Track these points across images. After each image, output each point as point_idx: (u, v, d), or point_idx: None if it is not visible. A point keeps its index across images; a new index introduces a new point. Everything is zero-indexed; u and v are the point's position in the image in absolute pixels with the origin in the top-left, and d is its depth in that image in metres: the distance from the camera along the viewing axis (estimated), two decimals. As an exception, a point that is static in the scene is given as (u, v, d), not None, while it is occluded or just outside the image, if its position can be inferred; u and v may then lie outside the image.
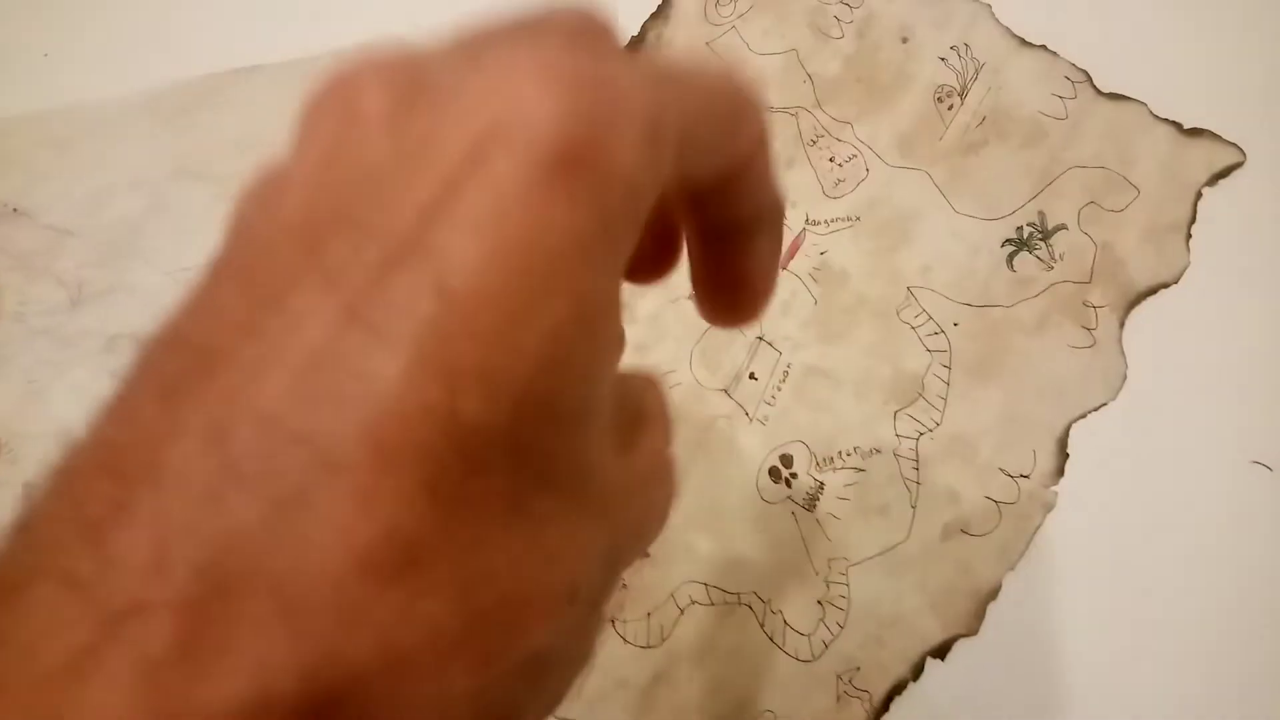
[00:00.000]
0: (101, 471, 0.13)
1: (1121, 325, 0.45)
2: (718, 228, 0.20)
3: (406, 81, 0.15)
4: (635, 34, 0.51)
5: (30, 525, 0.13)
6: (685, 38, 0.51)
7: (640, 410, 0.20)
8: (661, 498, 0.20)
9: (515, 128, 0.13)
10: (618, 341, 0.18)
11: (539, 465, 0.14)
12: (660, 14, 0.51)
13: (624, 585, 0.45)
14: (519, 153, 0.13)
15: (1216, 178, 0.47)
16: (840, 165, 0.48)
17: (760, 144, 0.19)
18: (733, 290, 0.22)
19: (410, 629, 0.13)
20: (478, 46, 0.16)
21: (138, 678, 0.11)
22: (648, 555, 0.45)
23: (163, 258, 0.48)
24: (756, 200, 0.20)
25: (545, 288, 0.13)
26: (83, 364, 0.46)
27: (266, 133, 0.50)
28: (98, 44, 0.54)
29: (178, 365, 0.13)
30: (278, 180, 0.15)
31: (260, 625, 0.12)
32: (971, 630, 0.42)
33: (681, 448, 0.45)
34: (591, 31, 0.16)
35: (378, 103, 0.14)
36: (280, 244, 0.14)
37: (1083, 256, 0.46)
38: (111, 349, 0.46)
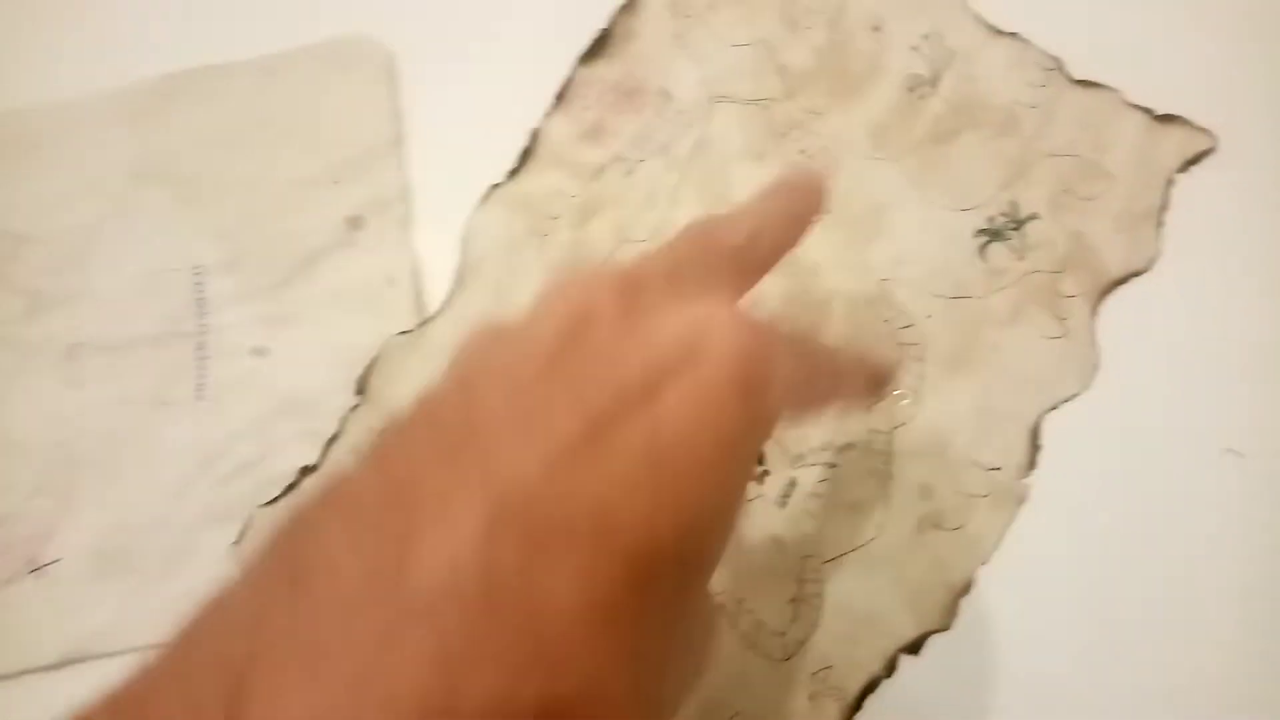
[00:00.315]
0: (396, 504, 0.17)
1: (1094, 314, 0.45)
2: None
3: (632, 294, 0.20)
4: (604, 28, 0.50)
5: (327, 532, 0.18)
6: (654, 31, 0.50)
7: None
8: (708, 651, 0.24)
9: (715, 348, 0.19)
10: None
11: (690, 589, 0.19)
12: (629, 7, 0.51)
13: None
14: (716, 363, 0.19)
15: (1188, 164, 0.46)
16: (811, 157, 0.47)
17: (828, 402, 0.30)
18: None
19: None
20: (682, 280, 0.22)
21: None
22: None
23: (123, 263, 0.47)
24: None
25: (724, 454, 0.18)
26: (41, 374, 0.45)
27: (226, 133, 0.49)
28: (51, 45, 0.53)
29: (455, 435, 0.19)
30: (521, 332, 0.21)
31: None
32: (945, 625, 0.42)
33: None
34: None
35: (609, 304, 0.20)
36: (534, 376, 0.19)
37: (1055, 246, 0.45)
38: (71, 357, 0.45)
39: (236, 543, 0.44)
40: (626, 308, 0.20)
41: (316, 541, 0.17)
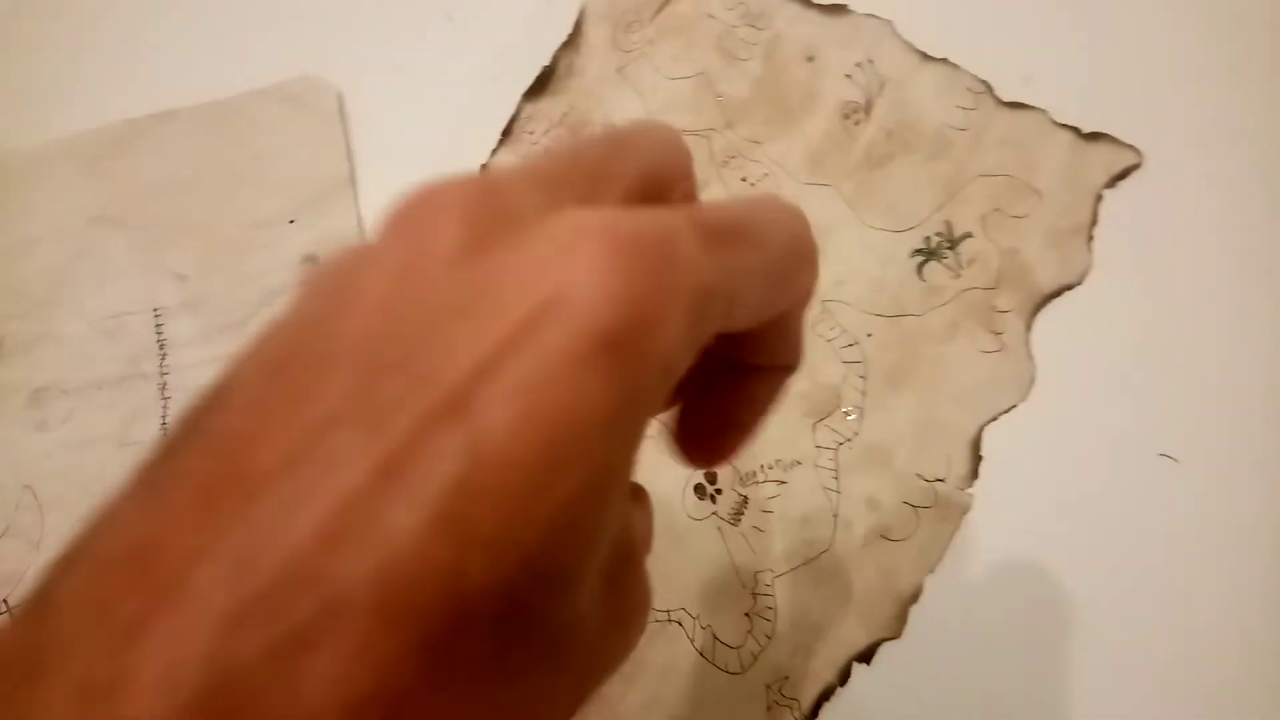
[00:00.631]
0: (134, 572, 0.13)
1: (1029, 328, 0.46)
2: (728, 366, 0.21)
3: (484, 216, 0.15)
4: (547, 64, 0.52)
5: (55, 605, 0.13)
6: (597, 66, 0.52)
7: (629, 546, 0.20)
8: (636, 631, 0.20)
9: (570, 303, 0.14)
10: (626, 501, 0.18)
11: (527, 626, 0.14)
12: (571, 43, 0.52)
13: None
14: (569, 327, 0.13)
15: (1116, 179, 0.48)
16: (753, 185, 0.49)
17: (806, 298, 0.20)
18: (721, 431, 0.22)
19: None
20: (556, 184, 0.17)
21: None
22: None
23: (86, 307, 0.48)
24: (779, 345, 0.20)
25: (567, 462, 0.13)
26: (7, 417, 0.46)
27: (182, 177, 0.51)
28: (10, 93, 0.54)
29: (219, 473, 0.14)
30: (350, 283, 0.15)
31: None
32: (895, 633, 0.43)
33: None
34: (670, 169, 0.18)
35: (452, 235, 0.15)
36: (337, 366, 0.14)
37: (989, 263, 0.47)
38: (36, 402, 0.46)
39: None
40: (472, 240, 0.15)
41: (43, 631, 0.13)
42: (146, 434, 0.47)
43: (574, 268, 0.14)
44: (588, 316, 0.13)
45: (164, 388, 0.48)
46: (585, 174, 0.17)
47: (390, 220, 0.16)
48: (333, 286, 0.16)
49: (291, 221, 0.49)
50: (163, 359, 0.48)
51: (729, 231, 0.16)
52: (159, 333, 0.48)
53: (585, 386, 0.13)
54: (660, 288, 0.14)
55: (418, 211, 0.16)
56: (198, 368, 0.48)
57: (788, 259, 0.18)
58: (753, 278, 0.17)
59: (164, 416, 0.48)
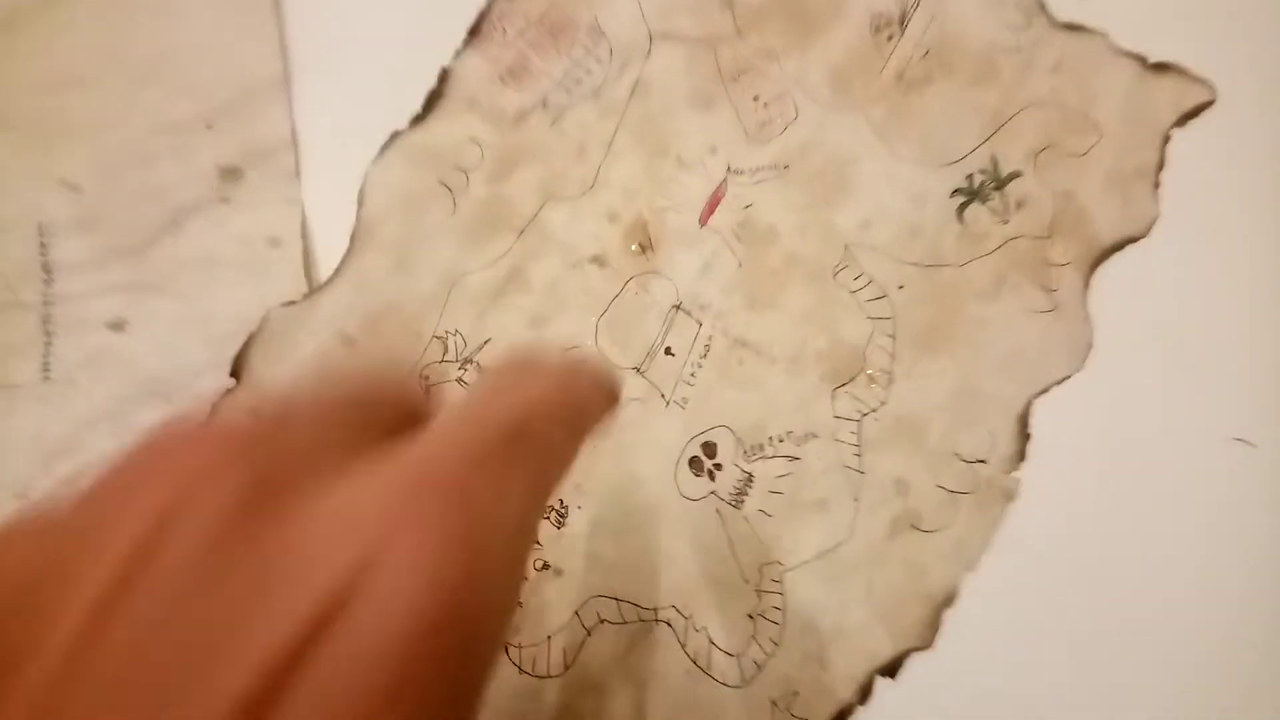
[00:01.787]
0: None
1: (1086, 285, 0.39)
2: None
3: (257, 477, 0.13)
4: None
5: None
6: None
7: None
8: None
9: (389, 585, 0.12)
10: None
11: None
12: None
13: (519, 603, 0.37)
14: (389, 618, 0.12)
15: (1185, 118, 0.41)
16: (766, 105, 0.41)
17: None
18: None
19: None
20: (343, 425, 0.15)
21: None
22: (546, 566, 0.38)
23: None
24: None
25: None
26: None
27: (76, 70, 0.42)
28: None
29: None
30: (56, 576, 0.12)
31: None
32: (925, 643, 0.37)
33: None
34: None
35: (216, 503, 0.12)
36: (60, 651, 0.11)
37: (1040, 207, 0.40)
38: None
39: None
40: (241, 504, 0.12)
41: None
42: (25, 374, 0.39)
43: (393, 541, 0.12)
44: (412, 610, 0.12)
45: (47, 320, 0.39)
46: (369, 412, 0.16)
47: (123, 474, 0.13)
48: (41, 562, 0.12)
49: (209, 127, 0.41)
50: (47, 286, 0.39)
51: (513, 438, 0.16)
52: (43, 254, 0.40)
53: (419, 684, 0.12)
54: (481, 557, 0.13)
55: (165, 468, 0.13)
56: (89, 299, 0.39)
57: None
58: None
59: (46, 358, 0.39)
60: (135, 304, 0.40)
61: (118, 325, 0.39)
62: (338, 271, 0.39)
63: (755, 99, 0.41)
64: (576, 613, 0.37)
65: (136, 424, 0.39)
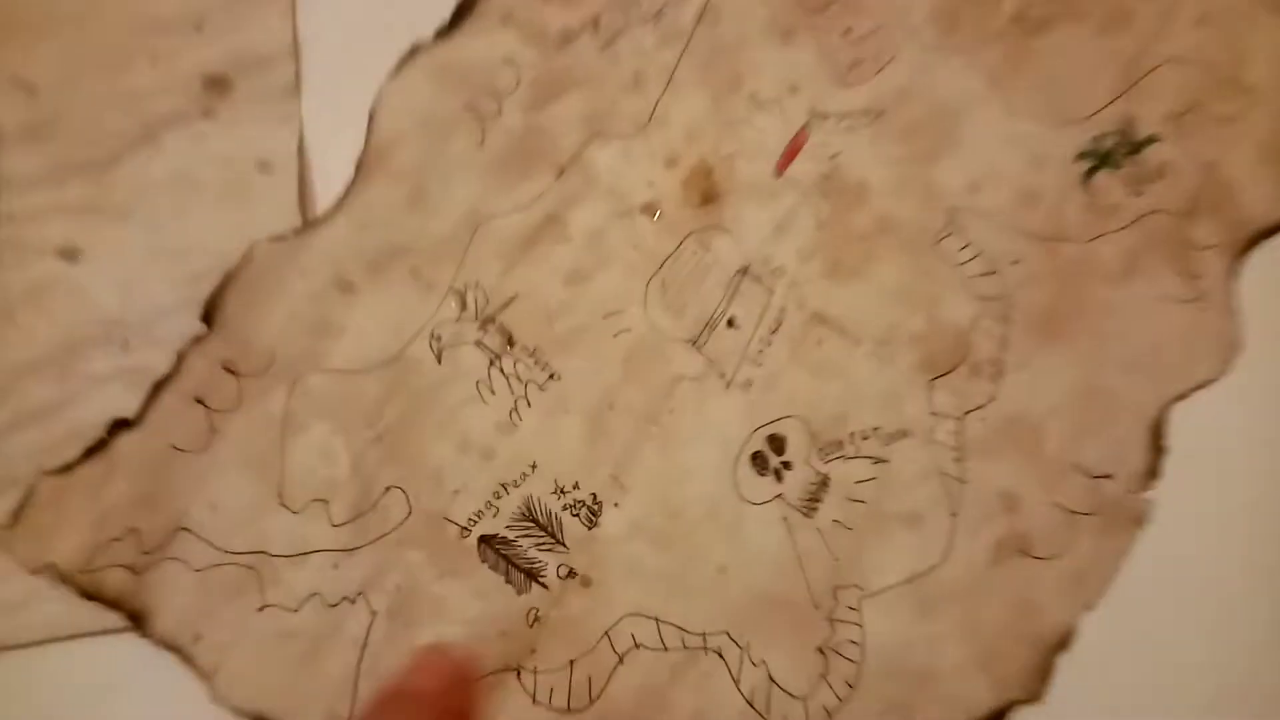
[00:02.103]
0: None
1: (1234, 273, 0.33)
2: None
3: None
4: None
5: None
6: None
7: None
8: None
9: None
10: None
11: None
12: None
13: (536, 616, 0.31)
14: None
15: (1352, 87, 0.35)
16: (859, 41, 0.35)
17: None
18: None
19: None
20: None
21: None
22: (572, 574, 0.31)
23: None
24: None
25: None
26: None
27: None
28: None
29: None
30: None
31: None
32: (1034, 694, 0.30)
33: (628, 420, 0.31)
34: None
35: None
36: None
37: (1182, 178, 0.34)
38: None
39: (10, 524, 0.30)
40: None
41: None
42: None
43: None
44: None
45: (-16, 247, 0.32)
46: None
47: None
48: None
49: (197, 28, 0.34)
50: (-13, 205, 0.33)
51: None
52: (-16, 167, 0.33)
53: None
54: None
55: None
56: (37, 220, 0.33)
57: None
58: None
59: (-16, 290, 0.32)
60: (92, 230, 0.33)
61: (70, 253, 0.33)
62: (339, 204, 0.32)
63: (846, 33, 0.35)
64: (607, 634, 0.31)
65: (85, 373, 0.32)
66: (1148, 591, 0.31)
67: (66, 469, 0.30)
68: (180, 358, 0.31)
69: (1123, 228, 0.33)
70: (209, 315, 0.32)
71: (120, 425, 0.31)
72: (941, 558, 0.31)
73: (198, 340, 0.31)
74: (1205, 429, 0.32)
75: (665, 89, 0.34)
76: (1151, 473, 0.32)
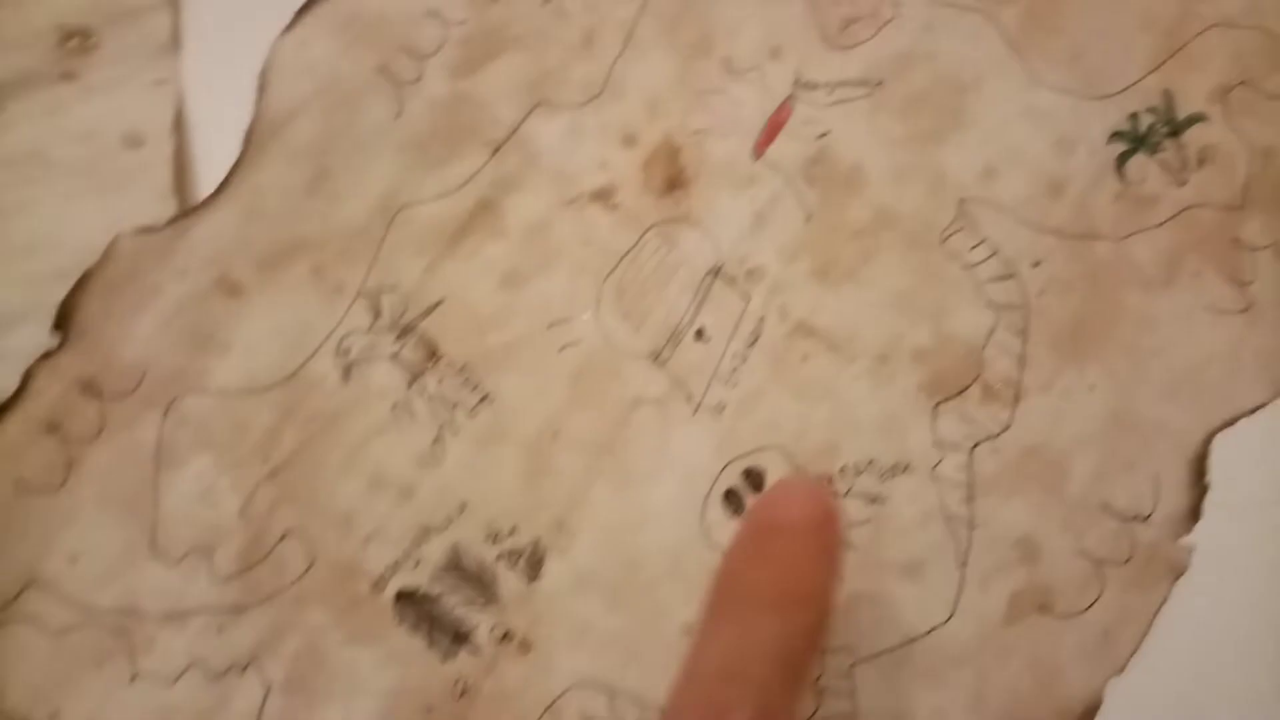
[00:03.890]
0: None
1: (1290, 278, 0.28)
2: None
3: None
4: None
5: None
6: None
7: None
8: None
9: None
10: None
11: None
12: None
13: (464, 688, 0.26)
14: None
15: None
16: (854, -3, 0.29)
17: None
18: None
19: None
20: None
21: None
22: (507, 637, 0.26)
23: None
24: None
25: None
26: None
27: None
28: None
29: None
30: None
31: None
32: None
33: (576, 451, 0.26)
34: None
35: None
36: None
37: (1231, 166, 0.29)
38: None
39: None
40: None
41: None
42: None
43: None
44: None
45: None
46: None
47: None
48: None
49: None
50: None
51: None
52: None
53: None
54: None
55: None
56: None
57: None
58: None
59: None
60: (-79, 218, 0.27)
61: (-107, 247, 0.27)
62: (224, 186, 0.27)
63: (840, -14, 0.29)
64: (549, 708, 0.26)
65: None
66: (1183, 653, 0.26)
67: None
68: (27, 377, 0.26)
69: (1161, 224, 0.28)
70: (63, 325, 0.26)
71: (-50, 459, 0.25)
72: (947, 615, 0.26)
73: (48, 355, 0.26)
74: (1253, 462, 0.27)
75: (622, 51, 0.29)
76: (1192, 514, 0.27)
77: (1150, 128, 0.29)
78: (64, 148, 0.27)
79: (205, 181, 0.28)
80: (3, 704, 0.25)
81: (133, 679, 0.25)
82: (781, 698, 0.20)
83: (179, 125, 0.28)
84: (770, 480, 0.27)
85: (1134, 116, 0.29)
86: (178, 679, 0.26)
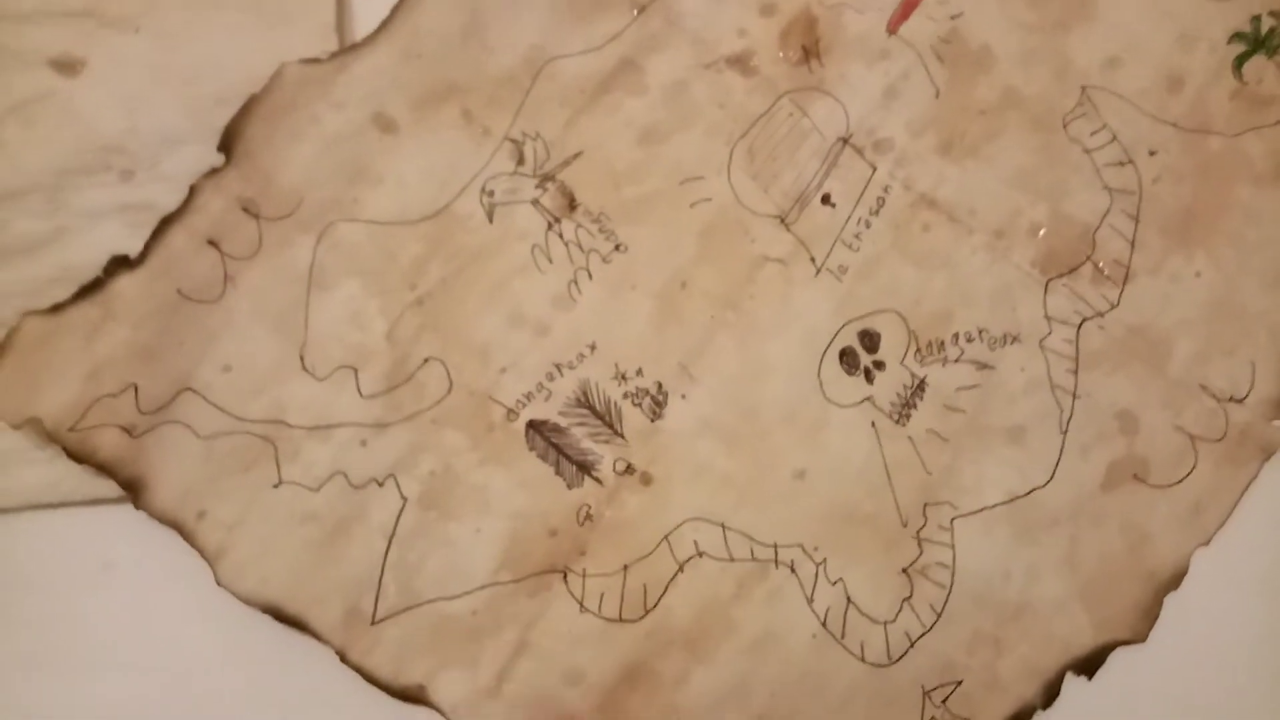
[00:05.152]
0: None
1: (1395, 183, 0.29)
2: None
3: None
4: None
5: None
6: None
7: None
8: None
9: None
10: None
11: None
12: None
13: (588, 514, 0.27)
14: None
15: None
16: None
17: None
18: None
19: None
20: None
21: None
22: (629, 470, 0.27)
23: None
24: None
25: None
26: None
27: None
28: None
29: None
30: None
31: None
32: (1139, 635, 0.27)
33: (703, 302, 0.27)
34: None
35: None
36: None
37: (1348, 72, 0.29)
38: None
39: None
40: None
41: None
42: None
43: None
44: None
45: (-36, 51, 0.28)
46: None
47: None
48: None
49: None
50: (-32, 4, 0.28)
51: None
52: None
53: None
54: None
55: None
56: (30, 25, 0.29)
57: None
58: None
59: (-38, 105, 0.28)
60: (94, 39, 0.28)
61: (66, 66, 0.28)
62: (383, 27, 0.28)
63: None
64: (666, 538, 0.27)
65: (79, 206, 0.28)
66: (1270, 530, 0.28)
67: (56, 310, 0.26)
68: (192, 193, 0.27)
69: (1275, 123, 0.29)
70: (227, 146, 0.27)
71: (120, 265, 0.26)
72: (1047, 478, 0.28)
73: (213, 173, 0.27)
74: (1347, 356, 0.28)
75: (765, -78, 0.29)
76: (1287, 400, 0.28)
77: (1271, 30, 0.30)
78: (231, -21, 0.28)
79: (365, 21, 0.29)
80: (154, 500, 0.27)
81: (277, 485, 0.27)
82: None
83: (343, -35, 0.29)
84: (885, 342, 0.28)
85: (1256, 19, 0.30)
86: (320, 487, 0.27)
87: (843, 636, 0.27)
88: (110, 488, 0.26)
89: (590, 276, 0.28)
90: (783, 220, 0.28)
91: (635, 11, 0.29)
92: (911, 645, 0.27)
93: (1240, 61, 0.30)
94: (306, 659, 0.26)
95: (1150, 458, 0.28)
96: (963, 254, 0.28)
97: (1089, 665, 0.27)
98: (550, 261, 0.28)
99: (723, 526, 0.27)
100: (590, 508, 0.27)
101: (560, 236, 0.28)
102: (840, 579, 0.27)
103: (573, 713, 0.27)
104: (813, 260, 0.28)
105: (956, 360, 0.28)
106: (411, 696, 0.26)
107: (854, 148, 0.29)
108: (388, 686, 0.26)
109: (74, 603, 0.27)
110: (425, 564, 0.27)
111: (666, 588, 0.27)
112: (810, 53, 0.29)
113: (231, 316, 0.27)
